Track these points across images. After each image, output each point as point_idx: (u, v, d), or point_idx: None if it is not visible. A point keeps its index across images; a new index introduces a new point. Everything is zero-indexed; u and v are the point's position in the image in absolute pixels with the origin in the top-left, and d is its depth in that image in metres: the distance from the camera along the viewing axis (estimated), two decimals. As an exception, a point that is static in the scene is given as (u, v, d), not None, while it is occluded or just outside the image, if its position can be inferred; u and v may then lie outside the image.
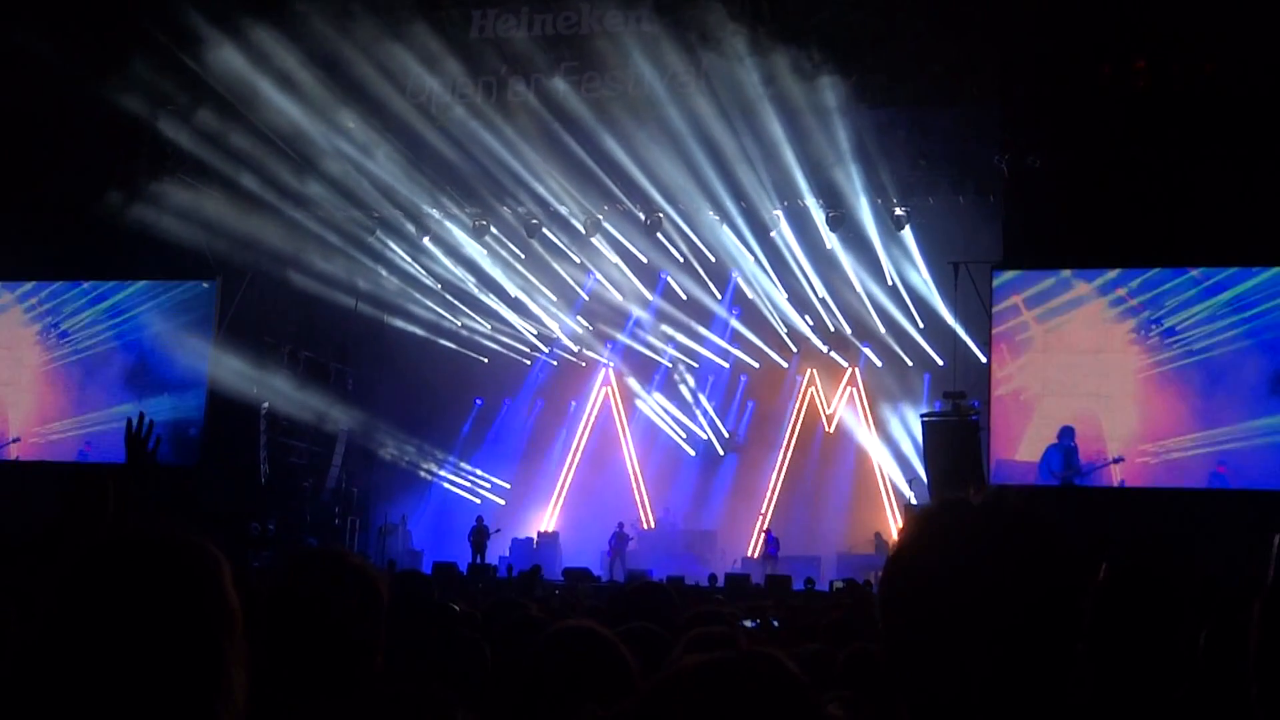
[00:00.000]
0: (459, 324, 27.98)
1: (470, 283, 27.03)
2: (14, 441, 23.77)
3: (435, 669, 3.76)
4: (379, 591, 2.86)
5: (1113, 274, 20.32)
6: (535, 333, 28.44)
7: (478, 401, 29.03)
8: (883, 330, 25.98)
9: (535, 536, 26.66)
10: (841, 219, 23.20)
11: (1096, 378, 19.97)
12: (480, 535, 24.90)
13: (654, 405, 28.52)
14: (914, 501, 22.84)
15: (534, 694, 2.95)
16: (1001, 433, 20.32)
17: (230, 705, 1.83)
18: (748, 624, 5.55)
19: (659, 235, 24.78)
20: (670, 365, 28.49)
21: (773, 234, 24.39)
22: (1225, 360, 19.43)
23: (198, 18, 20.79)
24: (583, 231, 24.76)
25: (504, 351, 28.61)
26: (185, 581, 1.84)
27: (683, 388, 28.49)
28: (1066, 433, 19.78)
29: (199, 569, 1.86)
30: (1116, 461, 19.55)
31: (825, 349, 27.19)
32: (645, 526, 27.18)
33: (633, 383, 28.70)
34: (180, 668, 1.79)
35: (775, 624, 5.72)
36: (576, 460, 28.33)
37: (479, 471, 28.62)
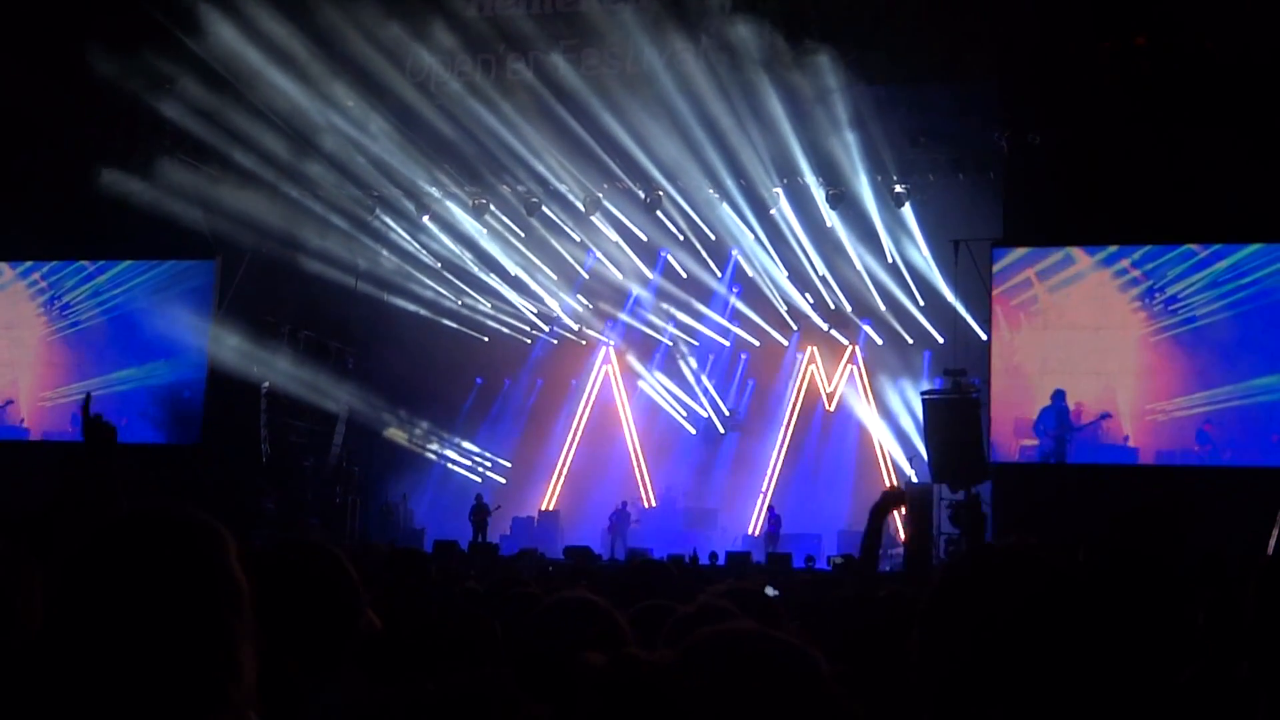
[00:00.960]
0: (459, 303, 27.97)
1: (470, 261, 27.01)
2: (8, 404, 23.88)
3: (442, 645, 3.78)
4: (340, 562, 2.88)
5: (1114, 248, 20.48)
6: (535, 311, 28.42)
7: (478, 380, 29.03)
8: (883, 308, 25.98)
9: (536, 515, 26.72)
10: (841, 196, 23.18)
11: (1101, 346, 20.27)
12: (480, 514, 24.93)
13: (654, 384, 28.52)
14: (915, 480, 22.86)
15: (531, 664, 2.97)
16: (1010, 399, 20.52)
17: (240, 683, 1.83)
18: (770, 591, 5.66)
19: (659, 213, 24.76)
20: (670, 343, 28.49)
21: (772, 211, 24.37)
22: (1221, 326, 19.82)
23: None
24: (582, 209, 24.74)
25: (504, 330, 28.60)
26: (194, 559, 1.84)
27: (683, 366, 28.49)
28: (1059, 395, 20.41)
29: (207, 546, 1.87)
30: (1105, 418, 19.96)
31: (825, 327, 27.17)
32: (646, 505, 27.22)
33: (633, 361, 28.68)
34: (190, 646, 1.79)
35: (775, 592, 5.80)
36: (577, 439, 28.34)
37: (480, 450, 28.65)
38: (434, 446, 28.35)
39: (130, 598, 1.79)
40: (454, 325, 28.09)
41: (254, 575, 2.87)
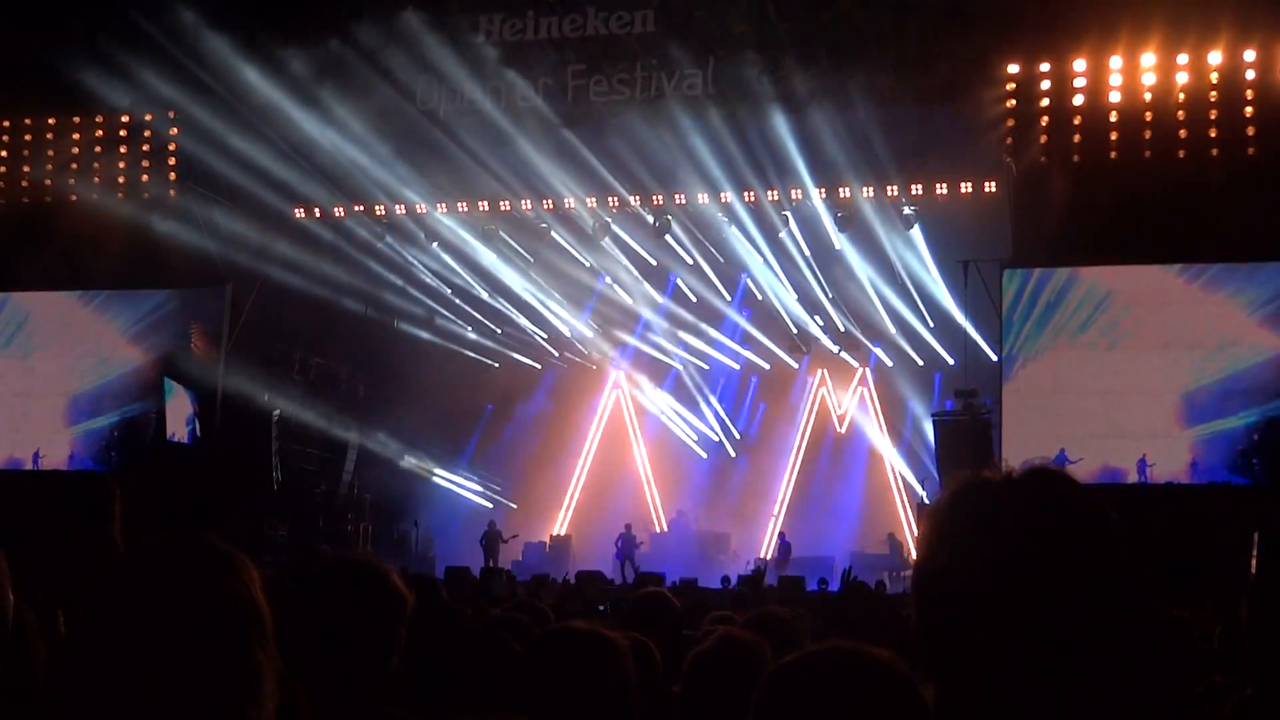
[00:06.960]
0: (469, 329, 28.00)
1: (480, 287, 27.04)
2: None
3: (453, 674, 3.77)
4: (401, 597, 2.88)
5: (1122, 269, 20.37)
6: (545, 337, 28.45)
7: (489, 406, 29.02)
8: (893, 330, 25.96)
9: (548, 541, 26.67)
10: (850, 219, 23.20)
11: (1112, 365, 20.05)
12: (492, 540, 24.88)
13: (665, 408, 28.51)
14: (927, 502, 22.80)
15: (531, 694, 2.96)
16: (1014, 429, 20.34)
17: (261, 711, 1.83)
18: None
19: (668, 237, 24.79)
20: (680, 367, 28.48)
21: (781, 234, 24.39)
22: (1230, 357, 19.63)
23: (206, 29, 20.89)
24: (591, 234, 24.77)
25: (514, 356, 28.62)
26: (217, 587, 1.84)
27: (693, 390, 28.49)
28: (1060, 454, 19.65)
29: (230, 574, 1.86)
30: (1078, 460, 19.31)
31: (835, 349, 27.17)
32: (657, 530, 27.16)
33: (644, 385, 28.69)
34: (212, 674, 1.79)
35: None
36: (588, 464, 28.33)
37: (491, 476, 28.62)
38: (445, 473, 28.32)
39: (152, 627, 1.79)
40: (464, 351, 28.10)
41: (298, 596, 2.87)
